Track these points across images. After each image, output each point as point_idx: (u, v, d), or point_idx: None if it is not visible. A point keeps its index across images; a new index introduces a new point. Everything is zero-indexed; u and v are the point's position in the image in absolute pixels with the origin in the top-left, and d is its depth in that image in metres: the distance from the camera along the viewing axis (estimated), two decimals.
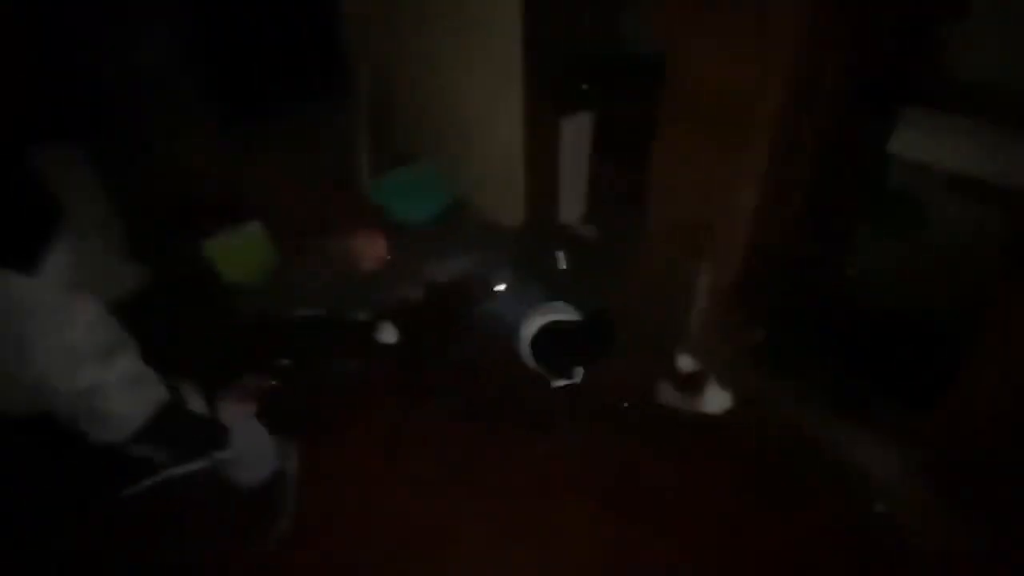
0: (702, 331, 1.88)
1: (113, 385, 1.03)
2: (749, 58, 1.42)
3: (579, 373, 1.87)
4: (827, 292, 2.05)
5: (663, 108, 1.67)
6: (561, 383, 1.87)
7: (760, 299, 1.85)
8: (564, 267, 2.13)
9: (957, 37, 1.79)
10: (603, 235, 2.53)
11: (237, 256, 2.24)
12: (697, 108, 1.60)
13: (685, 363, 1.90)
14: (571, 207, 2.57)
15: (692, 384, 1.85)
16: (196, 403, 1.30)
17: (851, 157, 1.75)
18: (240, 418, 1.40)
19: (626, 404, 1.85)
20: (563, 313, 1.87)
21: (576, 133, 2.40)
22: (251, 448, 1.48)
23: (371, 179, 2.58)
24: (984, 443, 1.32)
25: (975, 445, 1.33)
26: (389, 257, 2.29)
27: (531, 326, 1.84)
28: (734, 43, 1.44)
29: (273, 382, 1.59)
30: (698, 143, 1.65)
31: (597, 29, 2.32)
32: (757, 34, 1.37)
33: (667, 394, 1.85)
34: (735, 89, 1.47)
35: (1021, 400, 1.24)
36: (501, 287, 2.09)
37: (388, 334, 2.08)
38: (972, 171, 1.76)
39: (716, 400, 1.81)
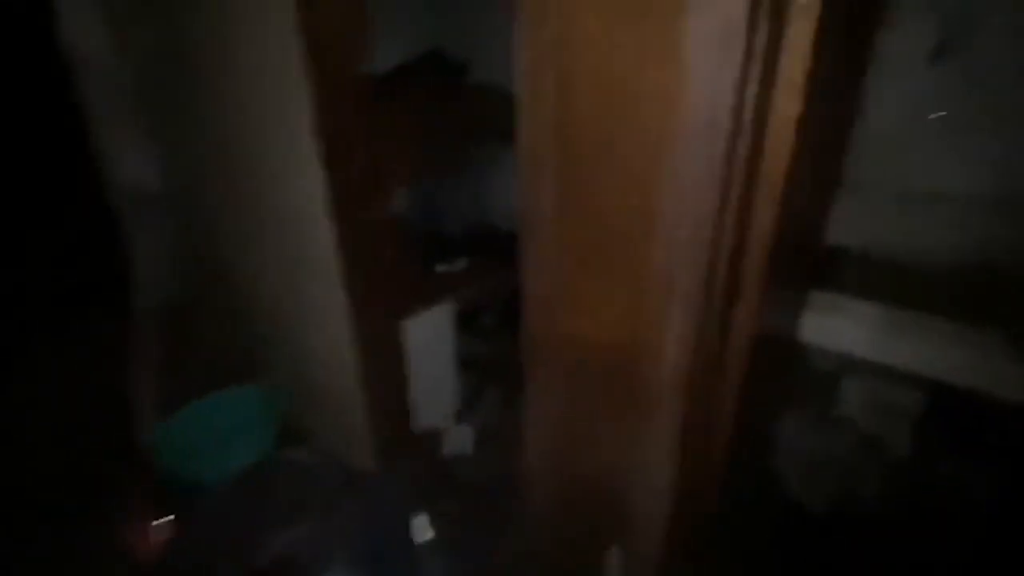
0: None
1: None
2: (644, 313, 1.01)
3: None
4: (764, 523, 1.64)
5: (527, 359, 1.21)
6: None
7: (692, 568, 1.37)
8: (431, 536, 1.54)
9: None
10: (484, 442, 2.01)
11: None
12: (583, 365, 1.16)
13: None
14: (437, 413, 2.03)
15: None
16: None
17: (768, 368, 1.39)
18: None
19: None
20: None
21: (431, 328, 1.90)
22: None
23: (153, 425, 1.84)
24: None
25: None
26: (173, 544, 1.57)
27: None
28: (628, 298, 1.03)
29: None
30: (583, 407, 1.20)
31: (443, 210, 1.91)
32: (653, 289, 0.97)
33: None
34: (631, 347, 1.05)
35: None
36: None
37: None
38: (879, 357, 1.53)
39: None
